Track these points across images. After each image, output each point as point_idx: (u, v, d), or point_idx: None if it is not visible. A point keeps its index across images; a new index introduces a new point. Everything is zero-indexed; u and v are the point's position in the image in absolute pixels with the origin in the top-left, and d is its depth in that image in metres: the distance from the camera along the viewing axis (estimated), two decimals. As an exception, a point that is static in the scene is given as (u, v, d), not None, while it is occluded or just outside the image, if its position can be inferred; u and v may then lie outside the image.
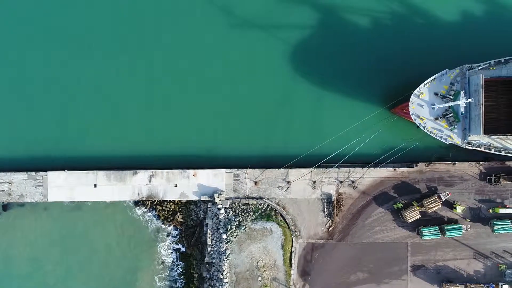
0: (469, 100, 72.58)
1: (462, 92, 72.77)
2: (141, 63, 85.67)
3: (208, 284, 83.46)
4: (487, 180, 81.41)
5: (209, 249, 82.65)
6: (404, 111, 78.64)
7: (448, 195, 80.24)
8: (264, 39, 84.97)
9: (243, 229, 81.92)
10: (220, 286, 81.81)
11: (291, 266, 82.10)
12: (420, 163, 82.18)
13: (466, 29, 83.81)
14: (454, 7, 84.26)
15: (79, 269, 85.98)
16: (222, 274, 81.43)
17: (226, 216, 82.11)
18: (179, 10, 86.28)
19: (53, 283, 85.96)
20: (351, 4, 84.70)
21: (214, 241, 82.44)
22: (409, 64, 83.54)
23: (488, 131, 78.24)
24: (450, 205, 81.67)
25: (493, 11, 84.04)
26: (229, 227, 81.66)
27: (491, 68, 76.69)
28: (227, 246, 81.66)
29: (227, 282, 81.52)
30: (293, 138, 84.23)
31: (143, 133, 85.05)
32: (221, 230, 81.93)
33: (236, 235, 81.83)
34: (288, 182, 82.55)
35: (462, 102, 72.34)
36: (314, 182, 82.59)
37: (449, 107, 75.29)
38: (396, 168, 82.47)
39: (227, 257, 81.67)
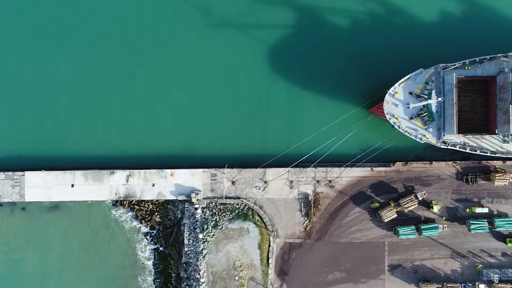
0: (439, 99, 72.88)
1: (433, 91, 72.99)
2: (117, 64, 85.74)
3: (185, 283, 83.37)
4: (464, 180, 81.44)
5: (186, 249, 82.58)
6: (380, 110, 78.63)
7: (425, 194, 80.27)
8: (242, 39, 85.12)
9: (220, 229, 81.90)
10: (197, 286, 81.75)
11: (268, 266, 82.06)
12: (397, 163, 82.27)
13: (442, 29, 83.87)
14: (430, 7, 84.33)
15: (57, 269, 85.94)
16: (199, 274, 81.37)
17: (203, 215, 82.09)
18: (157, 10, 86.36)
19: (31, 284, 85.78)
20: (327, 5, 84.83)
21: (191, 241, 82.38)
22: (386, 63, 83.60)
23: (465, 130, 78.73)
24: (427, 204, 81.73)
25: (469, 11, 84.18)
26: (205, 227, 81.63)
27: (466, 68, 76.87)
28: (203, 246, 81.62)
29: (204, 282, 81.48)
30: (270, 137, 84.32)
31: (120, 133, 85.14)
32: (197, 230, 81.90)
33: (213, 235, 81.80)
34: (265, 182, 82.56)
35: (433, 101, 72.57)
36: (291, 181, 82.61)
37: (424, 106, 75.41)
38: (373, 168, 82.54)
39: (203, 256, 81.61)
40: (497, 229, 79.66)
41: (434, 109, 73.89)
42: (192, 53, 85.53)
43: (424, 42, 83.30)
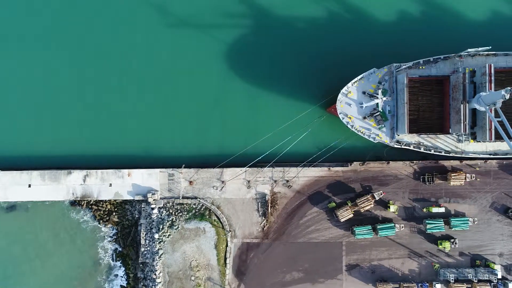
0: (385, 98, 72.86)
1: (380, 91, 72.94)
2: (74, 62, 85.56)
3: (142, 284, 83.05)
4: (421, 179, 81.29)
5: (142, 249, 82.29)
6: (335, 109, 78.43)
7: (382, 194, 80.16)
8: (198, 39, 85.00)
9: (176, 229, 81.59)
10: (153, 286, 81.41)
11: (226, 266, 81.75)
12: (355, 163, 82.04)
13: (397, 29, 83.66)
14: (385, 7, 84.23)
15: (16, 271, 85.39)
16: (155, 274, 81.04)
17: (159, 215, 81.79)
18: (112, 9, 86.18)
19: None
20: (282, 5, 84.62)
21: (147, 241, 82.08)
22: (342, 62, 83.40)
23: (422, 130, 78.72)
24: (384, 204, 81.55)
25: (424, 11, 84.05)
26: (161, 227, 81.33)
27: (420, 67, 76.77)
28: (159, 246, 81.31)
29: (160, 282, 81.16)
30: (227, 137, 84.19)
31: (77, 133, 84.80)
32: (154, 230, 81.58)
33: (169, 235, 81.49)
34: (223, 182, 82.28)
35: (379, 100, 72.49)
36: (249, 181, 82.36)
37: (377, 105, 75.22)
38: (331, 168, 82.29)
39: (159, 257, 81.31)
40: (452, 229, 79.51)
41: (380, 107, 73.83)
42: (149, 53, 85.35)
43: (380, 41, 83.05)
